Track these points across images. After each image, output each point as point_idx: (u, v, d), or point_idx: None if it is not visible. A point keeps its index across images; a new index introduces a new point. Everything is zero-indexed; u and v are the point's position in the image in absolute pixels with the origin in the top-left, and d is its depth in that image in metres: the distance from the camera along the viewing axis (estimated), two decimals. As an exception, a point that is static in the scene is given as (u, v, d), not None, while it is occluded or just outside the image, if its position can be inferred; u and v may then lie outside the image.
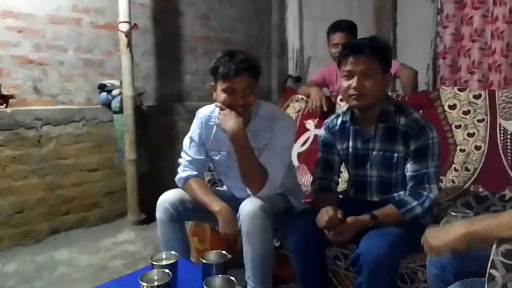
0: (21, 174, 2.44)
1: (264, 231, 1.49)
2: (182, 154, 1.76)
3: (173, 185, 2.57)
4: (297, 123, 2.33)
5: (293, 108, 2.46)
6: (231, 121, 1.50)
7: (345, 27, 2.44)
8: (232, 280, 1.02)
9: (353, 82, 1.46)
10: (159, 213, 1.64)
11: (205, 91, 3.39)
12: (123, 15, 2.62)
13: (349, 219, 1.37)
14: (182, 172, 1.71)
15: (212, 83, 1.60)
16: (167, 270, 1.05)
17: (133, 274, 1.20)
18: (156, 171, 2.98)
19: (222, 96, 1.54)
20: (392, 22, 3.65)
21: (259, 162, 1.55)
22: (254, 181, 1.55)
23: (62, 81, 2.64)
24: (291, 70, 3.96)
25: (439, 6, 2.91)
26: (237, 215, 1.53)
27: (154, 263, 1.11)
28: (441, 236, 1.02)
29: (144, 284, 0.99)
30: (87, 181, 2.73)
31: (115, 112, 2.77)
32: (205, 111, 1.73)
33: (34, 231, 2.52)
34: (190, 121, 1.73)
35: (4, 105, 2.39)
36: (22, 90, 2.48)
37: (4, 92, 2.38)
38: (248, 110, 1.57)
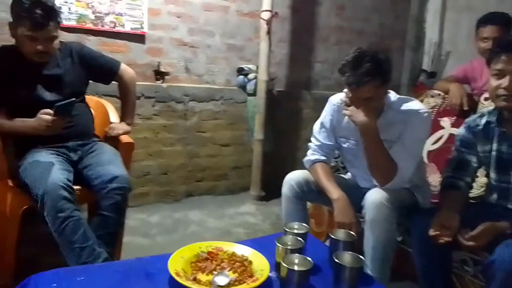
0: (169, 141, 2.84)
1: (389, 221, 1.51)
2: (312, 138, 1.84)
3: (293, 167, 2.69)
4: (431, 120, 2.24)
5: (428, 103, 2.36)
6: (362, 114, 1.52)
7: (498, 19, 2.23)
8: (361, 258, 1.08)
9: (504, 81, 1.37)
10: (285, 189, 1.76)
11: (333, 80, 3.44)
12: (266, 4, 2.81)
13: (486, 224, 1.31)
14: (311, 155, 1.80)
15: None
16: (300, 238, 1.16)
17: (269, 237, 1.35)
18: (279, 152, 3.17)
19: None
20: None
21: (389, 155, 1.55)
22: (383, 173, 1.58)
23: (208, 63, 2.95)
24: (426, 65, 3.75)
25: None
26: (362, 203, 1.57)
27: (288, 230, 1.23)
28: None
29: (280, 245, 1.12)
30: (219, 154, 3.05)
31: (249, 94, 3.01)
32: (338, 98, 1.76)
33: (174, 191, 2.92)
34: (315, 108, 1.78)
35: (161, 80, 2.78)
36: (176, 68, 2.85)
37: (162, 69, 2.77)
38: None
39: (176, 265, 1.12)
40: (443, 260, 1.48)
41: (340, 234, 1.23)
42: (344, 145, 1.78)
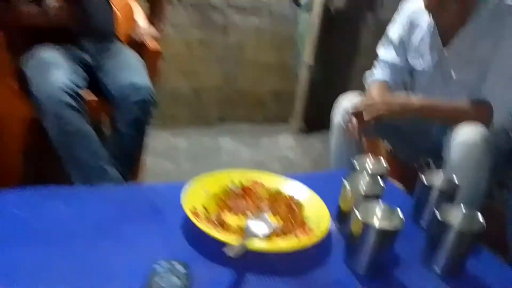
0: (205, 59, 2.48)
1: (481, 169, 1.14)
2: (376, 60, 1.49)
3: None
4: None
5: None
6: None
7: None
8: (478, 219, 0.71)
9: None
10: (336, 117, 1.40)
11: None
12: None
13: None
14: (370, 75, 1.47)
15: None
16: (379, 179, 0.79)
17: (328, 174, 1.00)
18: (327, 82, 2.75)
19: None
20: None
21: (468, 104, 1.22)
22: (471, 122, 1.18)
23: (256, -34, 2.47)
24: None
25: None
26: (445, 143, 1.20)
27: (359, 165, 0.86)
28: None
29: (349, 187, 0.75)
30: (260, 78, 2.67)
31: (302, 8, 2.55)
32: (413, 7, 1.37)
33: (205, 115, 2.62)
34: (377, 35, 1.48)
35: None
36: (217, -31, 2.40)
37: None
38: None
39: (194, 199, 0.80)
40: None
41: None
42: (418, 67, 1.39)
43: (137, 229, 0.73)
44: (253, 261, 0.66)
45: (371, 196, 0.74)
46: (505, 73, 1.17)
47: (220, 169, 0.94)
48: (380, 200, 0.71)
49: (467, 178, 1.13)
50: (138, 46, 1.64)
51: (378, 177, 0.79)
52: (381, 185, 0.77)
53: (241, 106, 2.70)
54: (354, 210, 0.66)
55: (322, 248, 0.71)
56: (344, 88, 2.78)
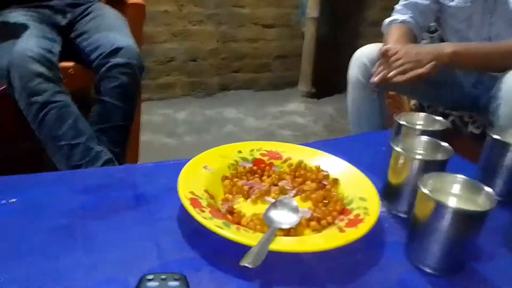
0: (197, 18, 2.24)
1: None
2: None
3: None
4: None
5: None
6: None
7: None
8: None
9: None
10: (353, 71, 1.19)
11: None
12: None
13: None
14: (390, 17, 1.24)
15: None
16: (443, 143, 0.57)
17: (362, 136, 0.79)
18: (335, 39, 2.50)
19: None
20: None
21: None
22: None
23: None
24: None
25: None
26: (492, 93, 0.98)
27: (407, 124, 0.64)
28: None
29: (401, 151, 0.54)
30: (260, 38, 2.43)
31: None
32: None
33: (205, 84, 2.40)
34: None
35: None
36: None
37: None
38: None
39: (194, 182, 0.60)
40: None
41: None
42: (451, 3, 1.14)
43: (117, 227, 0.54)
44: (279, 264, 0.48)
45: (435, 165, 0.54)
46: None
47: (226, 142, 0.74)
48: (442, 173, 0.50)
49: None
50: (118, 2, 1.46)
51: (440, 142, 0.57)
52: (447, 149, 0.56)
53: (242, 72, 2.48)
54: (419, 185, 0.46)
55: (371, 239, 0.52)
56: (352, 45, 2.53)
